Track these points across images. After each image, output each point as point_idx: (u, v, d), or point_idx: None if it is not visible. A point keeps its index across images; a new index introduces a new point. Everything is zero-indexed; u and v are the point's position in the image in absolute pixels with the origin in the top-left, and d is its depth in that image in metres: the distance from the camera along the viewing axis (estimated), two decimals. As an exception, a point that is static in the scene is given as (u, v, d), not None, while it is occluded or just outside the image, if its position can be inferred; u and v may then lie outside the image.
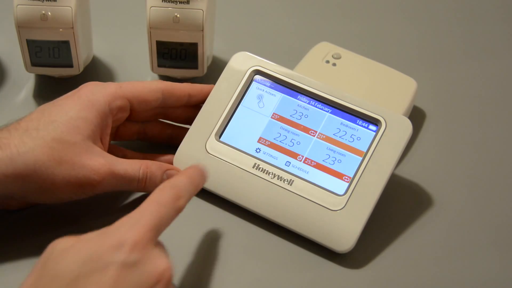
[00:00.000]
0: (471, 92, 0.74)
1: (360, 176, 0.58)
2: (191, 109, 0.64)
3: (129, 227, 0.47)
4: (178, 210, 0.50)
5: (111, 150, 0.61)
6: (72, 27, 0.65)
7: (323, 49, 0.71)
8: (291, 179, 0.59)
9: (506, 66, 0.76)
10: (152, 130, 0.64)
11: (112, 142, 0.63)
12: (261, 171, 0.59)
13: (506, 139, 0.69)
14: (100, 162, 0.56)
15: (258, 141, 0.61)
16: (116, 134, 0.63)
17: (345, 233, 0.57)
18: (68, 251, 0.45)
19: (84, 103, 0.57)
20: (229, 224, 0.60)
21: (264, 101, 0.62)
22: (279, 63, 0.63)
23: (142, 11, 0.67)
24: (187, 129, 0.63)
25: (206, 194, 0.61)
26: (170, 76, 0.71)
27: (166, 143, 0.65)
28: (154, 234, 0.48)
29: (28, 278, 0.45)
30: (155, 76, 0.72)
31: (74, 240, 0.46)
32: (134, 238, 0.46)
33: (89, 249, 0.45)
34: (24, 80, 0.72)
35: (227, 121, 0.62)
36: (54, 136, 0.55)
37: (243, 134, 0.61)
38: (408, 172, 0.64)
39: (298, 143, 0.60)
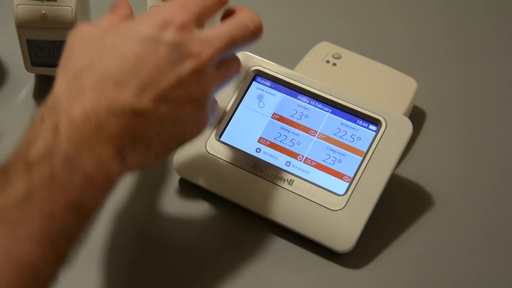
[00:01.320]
0: (471, 92, 0.74)
1: (360, 176, 0.58)
2: None
3: (175, 9, 0.49)
4: (222, 3, 0.53)
5: None
6: (72, 27, 0.65)
7: (323, 49, 0.71)
8: (291, 179, 0.59)
9: (506, 66, 0.76)
10: None
11: None
12: (261, 171, 0.59)
13: (506, 139, 0.69)
14: None
15: (258, 141, 0.61)
16: None
17: (345, 233, 0.57)
18: (120, 27, 0.49)
19: None
20: (229, 224, 0.60)
21: (264, 101, 0.62)
22: (279, 63, 0.63)
23: (142, 11, 0.67)
24: None
25: (206, 194, 0.61)
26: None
27: None
28: (198, 22, 0.50)
29: (82, 56, 0.48)
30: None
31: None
32: (181, 19, 0.49)
33: (142, 26, 0.48)
34: (24, 80, 0.72)
35: (227, 121, 0.62)
36: None
37: (243, 134, 0.61)
38: (408, 172, 0.64)
39: (298, 143, 0.60)
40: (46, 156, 0.42)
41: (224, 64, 0.52)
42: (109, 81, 0.46)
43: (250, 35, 0.53)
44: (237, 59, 0.54)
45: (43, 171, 0.42)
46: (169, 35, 0.48)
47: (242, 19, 0.53)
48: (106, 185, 0.45)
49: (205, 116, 0.52)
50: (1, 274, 0.39)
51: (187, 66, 0.48)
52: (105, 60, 0.47)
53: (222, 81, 0.52)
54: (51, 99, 0.45)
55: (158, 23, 0.48)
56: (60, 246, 0.42)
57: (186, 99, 0.49)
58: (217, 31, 0.51)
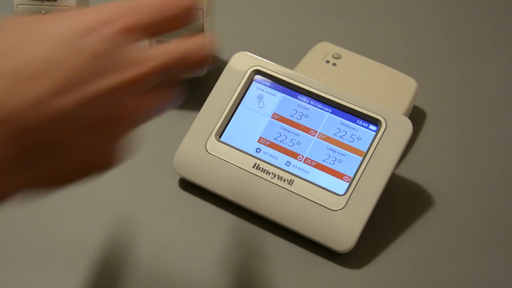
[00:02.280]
0: (471, 92, 0.74)
1: (360, 176, 0.58)
2: None
3: (122, 9, 0.41)
4: (184, 22, 0.44)
5: None
6: (72, 27, 0.65)
7: (323, 49, 0.71)
8: (291, 179, 0.59)
9: (506, 66, 0.76)
10: None
11: None
12: (261, 171, 0.59)
13: (506, 139, 0.69)
14: None
15: (258, 141, 0.61)
16: None
17: (345, 233, 0.57)
18: (49, 20, 0.40)
19: None
20: (229, 224, 0.60)
21: (264, 101, 0.62)
22: (279, 63, 0.63)
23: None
24: None
25: (206, 194, 0.61)
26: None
27: None
28: (146, 31, 0.42)
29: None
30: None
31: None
32: (122, 23, 0.40)
33: (67, 23, 0.40)
34: (24, 80, 0.71)
35: (227, 121, 0.62)
36: None
37: (243, 134, 0.61)
38: (408, 172, 0.64)
39: (298, 143, 0.60)
40: None
41: (153, 93, 0.42)
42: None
43: (191, 65, 0.44)
44: (172, 91, 0.44)
45: None
46: (92, 42, 0.39)
47: (190, 44, 0.44)
48: None
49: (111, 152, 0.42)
50: None
51: (103, 83, 0.39)
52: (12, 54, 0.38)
53: (144, 114, 0.42)
54: None
55: (88, 25, 0.40)
56: None
57: (91, 122, 0.40)
58: (157, 49, 0.42)
